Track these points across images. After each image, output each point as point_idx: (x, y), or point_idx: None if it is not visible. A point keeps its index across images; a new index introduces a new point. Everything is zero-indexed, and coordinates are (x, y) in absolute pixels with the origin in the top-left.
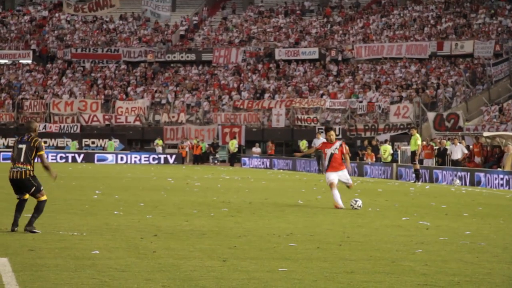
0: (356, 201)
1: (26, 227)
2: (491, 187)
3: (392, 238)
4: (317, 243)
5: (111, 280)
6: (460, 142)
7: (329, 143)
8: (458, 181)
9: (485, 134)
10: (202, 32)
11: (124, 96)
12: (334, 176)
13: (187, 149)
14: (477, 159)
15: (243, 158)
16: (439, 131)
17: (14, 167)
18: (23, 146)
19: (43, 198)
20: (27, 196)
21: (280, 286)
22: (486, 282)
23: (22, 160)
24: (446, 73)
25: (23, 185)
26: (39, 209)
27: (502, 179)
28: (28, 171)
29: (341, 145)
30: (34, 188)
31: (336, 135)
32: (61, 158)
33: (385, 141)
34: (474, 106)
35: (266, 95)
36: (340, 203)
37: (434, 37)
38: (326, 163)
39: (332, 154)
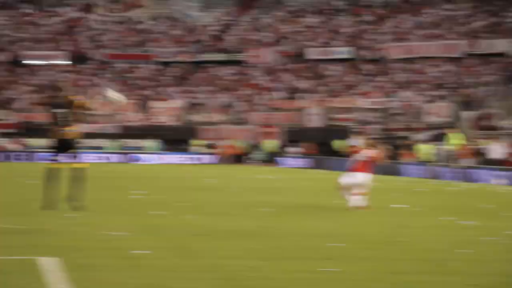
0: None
1: (72, 202)
2: None
3: (438, 238)
4: (363, 243)
5: (157, 280)
6: (497, 141)
7: (361, 148)
8: (497, 180)
9: None
10: (233, 32)
11: (158, 97)
12: (346, 179)
13: (224, 149)
14: None
15: (280, 158)
16: (475, 130)
17: (61, 129)
18: (64, 110)
19: (86, 165)
20: (63, 165)
21: (325, 286)
22: None
23: (68, 123)
24: (480, 72)
25: (70, 144)
26: (81, 178)
27: None
28: (76, 133)
29: (372, 154)
30: (78, 150)
31: (371, 137)
32: (99, 158)
33: (422, 141)
34: (510, 105)
35: (300, 95)
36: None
37: (466, 36)
38: (351, 164)
39: (359, 160)
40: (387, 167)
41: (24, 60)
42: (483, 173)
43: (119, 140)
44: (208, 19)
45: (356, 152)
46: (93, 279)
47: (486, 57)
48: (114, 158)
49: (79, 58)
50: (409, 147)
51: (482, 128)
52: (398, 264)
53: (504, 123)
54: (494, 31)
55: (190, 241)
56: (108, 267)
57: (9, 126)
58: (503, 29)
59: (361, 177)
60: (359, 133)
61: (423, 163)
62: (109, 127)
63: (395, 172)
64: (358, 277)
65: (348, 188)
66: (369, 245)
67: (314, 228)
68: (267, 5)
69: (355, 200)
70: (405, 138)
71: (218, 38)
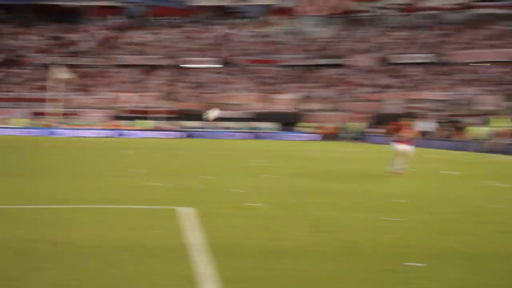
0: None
1: None
2: None
3: (477, 196)
4: (419, 200)
5: (262, 224)
6: None
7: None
8: None
9: None
10: (340, 43)
11: (279, 91)
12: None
13: (324, 129)
14: None
15: (367, 136)
16: None
17: None
18: None
19: None
20: None
21: (386, 231)
22: None
23: None
24: None
25: None
26: None
27: None
28: None
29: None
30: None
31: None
32: (230, 136)
33: (473, 124)
34: None
35: (384, 90)
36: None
37: None
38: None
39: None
40: (451, 144)
41: (184, 64)
42: None
43: (247, 122)
44: (322, 34)
45: (400, 130)
46: (215, 222)
47: None
48: (241, 135)
49: (226, 63)
50: (462, 129)
51: None
52: (445, 215)
53: None
54: None
55: (289, 197)
56: (227, 215)
57: (171, 112)
58: None
59: (407, 148)
60: (423, 117)
61: (474, 140)
62: (239, 113)
63: (453, 147)
64: (413, 225)
65: (399, 155)
66: (423, 202)
67: (382, 189)
68: (366, 23)
69: (398, 166)
70: (459, 121)
71: (327, 47)
